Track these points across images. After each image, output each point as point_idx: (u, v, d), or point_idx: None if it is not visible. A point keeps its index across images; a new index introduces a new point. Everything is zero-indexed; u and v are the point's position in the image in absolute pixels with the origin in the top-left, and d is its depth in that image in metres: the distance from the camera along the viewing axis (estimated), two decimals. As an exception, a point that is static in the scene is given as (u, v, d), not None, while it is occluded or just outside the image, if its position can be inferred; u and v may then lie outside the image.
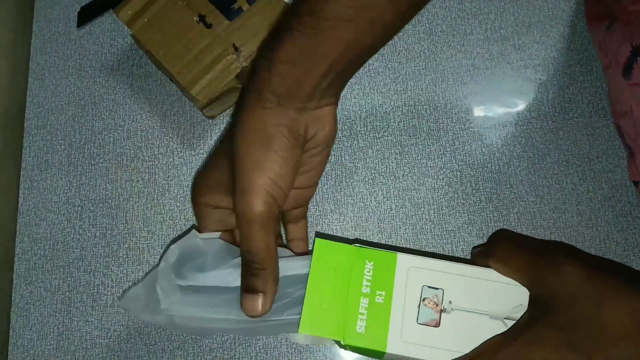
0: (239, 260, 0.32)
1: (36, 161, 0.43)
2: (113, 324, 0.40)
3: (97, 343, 0.39)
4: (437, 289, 0.30)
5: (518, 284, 0.30)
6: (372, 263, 0.31)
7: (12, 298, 0.41)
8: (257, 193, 0.29)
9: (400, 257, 0.31)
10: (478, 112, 0.43)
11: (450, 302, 0.30)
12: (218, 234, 0.34)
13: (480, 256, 0.32)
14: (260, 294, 0.30)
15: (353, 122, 0.43)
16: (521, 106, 0.43)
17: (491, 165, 0.42)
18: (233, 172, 0.31)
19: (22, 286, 0.41)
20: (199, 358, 0.39)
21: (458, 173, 0.42)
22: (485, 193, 0.41)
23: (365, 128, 0.43)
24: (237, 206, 0.30)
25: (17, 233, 0.42)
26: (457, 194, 0.41)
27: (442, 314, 0.29)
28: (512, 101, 0.43)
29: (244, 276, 0.31)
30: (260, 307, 0.30)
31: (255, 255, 0.30)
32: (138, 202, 0.42)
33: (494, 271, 0.31)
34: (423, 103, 0.43)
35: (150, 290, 0.32)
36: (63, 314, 0.40)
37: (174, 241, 0.35)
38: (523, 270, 0.30)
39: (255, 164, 0.30)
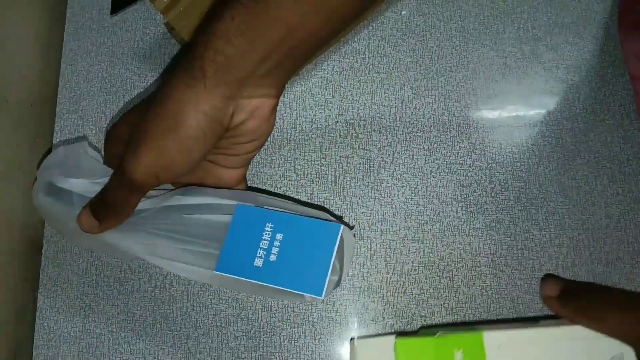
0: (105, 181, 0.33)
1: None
2: (139, 309, 0.40)
3: (123, 327, 0.40)
4: None
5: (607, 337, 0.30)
6: (461, 351, 0.30)
7: (40, 279, 0.41)
8: (140, 168, 0.29)
9: (487, 335, 0.30)
10: (509, 110, 0.43)
11: None
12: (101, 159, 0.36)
13: (568, 312, 0.33)
14: (98, 221, 0.32)
15: (382, 116, 0.43)
16: (552, 106, 0.43)
17: (520, 165, 0.42)
18: (133, 132, 0.30)
19: (50, 268, 0.41)
20: (224, 345, 0.39)
21: (487, 171, 0.42)
22: (514, 192, 0.41)
23: (394, 123, 0.43)
24: (121, 164, 0.30)
25: (47, 216, 0.42)
26: (486, 192, 0.41)
27: None
28: (543, 101, 0.43)
29: (96, 198, 0.32)
30: (90, 228, 0.33)
31: (113, 201, 0.31)
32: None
33: (582, 327, 0.30)
34: (453, 100, 0.43)
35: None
36: (90, 297, 0.41)
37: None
38: (623, 329, 0.30)
39: (153, 144, 0.29)
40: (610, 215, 0.40)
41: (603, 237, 0.40)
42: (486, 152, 0.42)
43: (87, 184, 0.34)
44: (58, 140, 0.44)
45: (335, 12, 0.29)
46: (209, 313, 0.40)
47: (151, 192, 0.35)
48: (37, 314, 0.40)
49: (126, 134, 0.31)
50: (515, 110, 0.43)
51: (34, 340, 0.40)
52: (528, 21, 0.45)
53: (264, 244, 0.32)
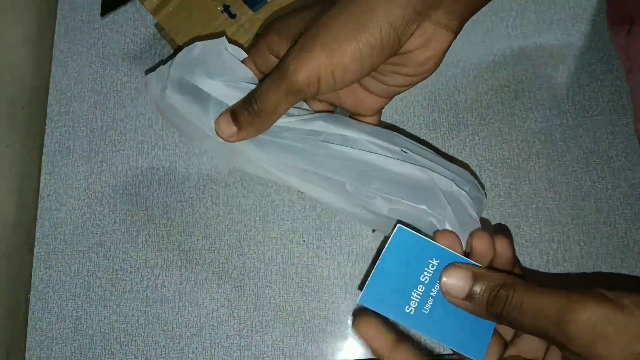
0: (246, 86, 0.31)
1: (58, 147, 0.44)
2: (131, 309, 0.40)
3: (115, 327, 0.40)
4: None
5: None
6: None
7: (32, 281, 0.41)
8: (307, 67, 0.27)
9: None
10: (498, 107, 0.43)
11: None
12: (244, 55, 0.32)
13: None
14: (238, 128, 0.29)
15: (373, 115, 0.43)
16: (541, 103, 0.43)
17: (510, 161, 0.42)
18: (305, 30, 0.28)
19: (41, 270, 0.41)
20: (216, 344, 0.39)
21: (477, 168, 0.42)
22: (504, 188, 0.41)
23: (384, 121, 0.43)
24: (284, 61, 0.28)
25: (38, 217, 0.42)
26: (476, 188, 0.41)
27: None
28: (532, 98, 0.43)
29: (239, 104, 0.30)
30: (228, 135, 0.30)
31: (262, 105, 0.29)
32: (158, 189, 0.42)
33: None
34: (443, 98, 0.43)
35: (162, 74, 0.32)
36: (82, 298, 0.41)
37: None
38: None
39: (325, 43, 0.27)
40: (600, 210, 0.41)
41: (593, 232, 0.40)
42: (476, 149, 0.42)
43: (225, 87, 0.31)
44: (49, 141, 0.44)
45: None
46: (201, 313, 0.40)
47: (291, 110, 0.33)
48: (29, 315, 0.40)
49: (296, 30, 0.29)
50: (505, 108, 0.43)
51: (27, 342, 0.40)
52: (517, 19, 0.45)
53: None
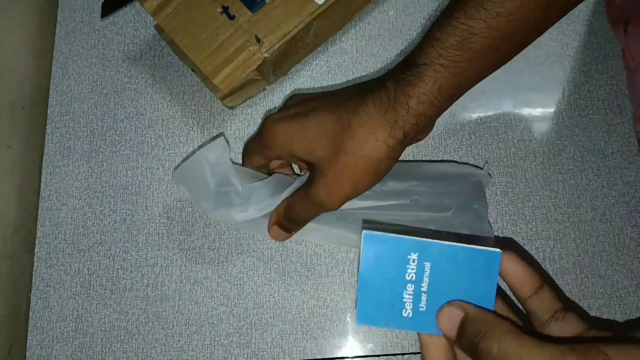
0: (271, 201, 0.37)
1: (59, 147, 0.44)
2: (131, 308, 0.40)
3: (116, 326, 0.40)
4: None
5: None
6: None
7: (33, 280, 0.41)
8: (341, 198, 0.33)
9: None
10: (495, 107, 0.43)
11: None
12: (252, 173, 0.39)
13: None
14: (289, 233, 0.37)
15: (371, 114, 0.44)
16: (537, 102, 0.44)
17: (507, 160, 0.42)
18: (321, 162, 0.33)
19: (42, 269, 0.42)
20: (216, 342, 0.39)
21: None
22: (500, 187, 0.42)
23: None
24: (318, 193, 0.33)
25: (39, 217, 0.43)
26: (473, 187, 0.42)
27: None
28: (528, 97, 0.44)
29: (284, 218, 0.36)
30: (282, 239, 0.38)
31: (300, 220, 0.36)
32: (158, 189, 0.43)
33: None
34: (440, 97, 0.44)
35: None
36: (82, 296, 0.41)
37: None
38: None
39: (354, 182, 0.32)
40: (596, 208, 0.41)
41: (589, 229, 0.41)
42: (473, 148, 0.43)
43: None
44: (50, 142, 0.44)
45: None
46: (201, 311, 0.40)
47: None
48: (30, 314, 0.41)
49: (301, 151, 0.34)
50: (501, 107, 0.43)
51: (27, 341, 0.40)
52: (512, 19, 0.45)
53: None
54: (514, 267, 0.27)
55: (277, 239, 0.38)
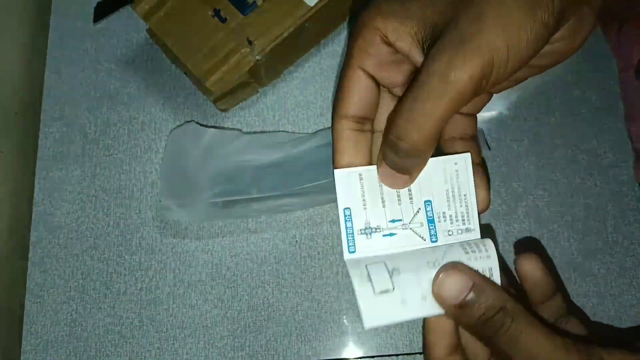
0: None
1: (52, 152, 0.44)
2: (125, 311, 0.40)
3: (110, 330, 0.40)
4: None
5: None
6: None
7: (27, 285, 0.41)
8: (479, 53, 0.20)
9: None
10: (487, 107, 0.43)
11: None
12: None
13: None
14: (409, 176, 0.25)
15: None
16: (530, 102, 0.44)
17: (500, 159, 0.42)
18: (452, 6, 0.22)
19: (36, 274, 0.41)
20: (210, 345, 0.39)
21: (467, 167, 0.42)
22: (493, 187, 0.42)
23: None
24: (435, 61, 0.21)
25: (32, 222, 0.43)
26: (466, 187, 0.42)
27: None
28: (520, 96, 0.44)
29: (389, 151, 0.24)
30: (403, 185, 0.25)
31: (418, 140, 0.22)
32: (151, 192, 0.43)
33: None
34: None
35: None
36: (76, 301, 0.41)
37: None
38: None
39: (497, 17, 0.21)
40: (589, 207, 0.41)
41: (582, 228, 0.41)
42: (465, 148, 0.43)
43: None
44: (43, 147, 0.44)
45: None
46: (195, 314, 0.40)
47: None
48: (25, 319, 0.41)
49: (425, 11, 0.23)
50: (494, 107, 0.44)
51: (22, 346, 0.40)
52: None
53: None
54: (533, 270, 0.26)
55: (389, 186, 0.25)
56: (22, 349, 0.40)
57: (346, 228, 0.26)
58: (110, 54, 0.46)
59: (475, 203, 0.26)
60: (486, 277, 0.24)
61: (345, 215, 0.25)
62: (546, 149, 0.42)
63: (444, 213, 0.26)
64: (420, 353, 0.39)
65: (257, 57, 0.40)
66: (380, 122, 0.27)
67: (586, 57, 0.44)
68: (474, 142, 0.28)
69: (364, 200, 0.26)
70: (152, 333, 0.40)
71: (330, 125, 0.43)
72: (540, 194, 0.41)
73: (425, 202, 0.26)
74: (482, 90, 0.22)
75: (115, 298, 0.41)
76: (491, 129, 0.43)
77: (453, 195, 0.26)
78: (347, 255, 0.26)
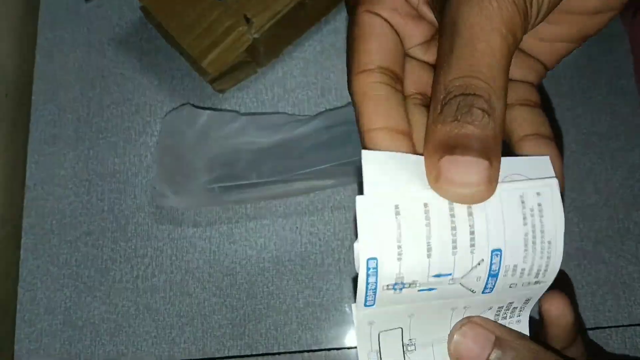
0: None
1: (44, 135, 0.43)
2: (121, 299, 0.39)
3: (105, 318, 0.39)
4: None
5: None
6: None
7: (20, 272, 0.40)
8: None
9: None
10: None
11: None
12: None
13: None
14: (489, 161, 0.16)
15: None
16: (541, 84, 0.42)
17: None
18: None
19: (29, 260, 0.40)
20: (208, 334, 0.38)
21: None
22: (501, 171, 0.40)
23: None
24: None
25: (25, 207, 0.41)
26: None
27: None
28: (529, 78, 0.42)
29: (455, 112, 0.16)
30: (482, 184, 0.16)
31: (484, 80, 0.16)
32: (146, 177, 0.41)
33: None
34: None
35: None
36: (70, 288, 0.40)
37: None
38: None
39: None
40: (599, 192, 0.40)
41: (592, 214, 0.39)
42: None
43: None
44: (35, 130, 0.43)
45: None
46: (193, 302, 0.39)
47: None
48: (18, 307, 0.40)
49: None
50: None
51: (15, 334, 0.39)
52: None
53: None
54: (563, 316, 0.22)
55: (471, 188, 0.16)
56: (15, 338, 0.39)
57: (367, 283, 0.17)
58: (103, 34, 0.45)
59: (562, 251, 0.18)
60: (509, 328, 0.20)
61: (368, 269, 0.17)
62: (556, 133, 0.41)
63: (514, 267, 0.18)
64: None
65: (255, 36, 0.38)
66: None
67: (598, 41, 0.42)
68: (547, 139, 0.21)
69: (399, 245, 0.17)
70: (149, 321, 0.39)
71: (333, 106, 0.42)
72: (549, 178, 0.40)
73: (493, 251, 0.17)
74: (529, 17, 0.18)
75: (110, 286, 0.40)
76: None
77: (533, 243, 0.18)
78: (360, 309, 0.18)
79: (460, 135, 0.16)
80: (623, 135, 0.41)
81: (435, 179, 0.16)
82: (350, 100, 0.20)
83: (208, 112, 0.40)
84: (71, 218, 0.41)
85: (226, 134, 0.38)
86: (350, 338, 0.38)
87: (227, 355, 0.38)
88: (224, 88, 0.42)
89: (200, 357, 0.38)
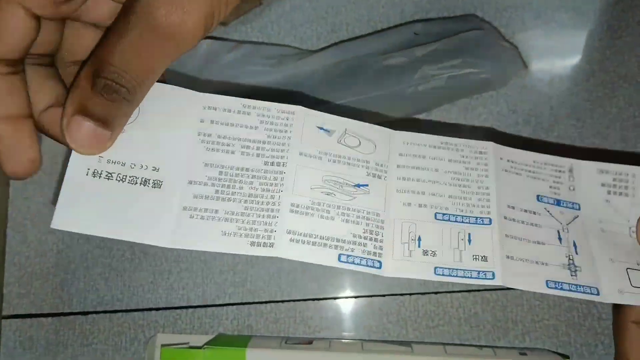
0: None
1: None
2: (116, 243, 0.37)
3: (99, 262, 0.37)
4: None
5: None
6: None
7: (9, 213, 0.38)
8: (199, 5, 0.19)
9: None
10: (518, 26, 0.39)
11: None
12: None
13: None
14: (110, 130, 0.20)
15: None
16: (565, 22, 0.39)
17: (531, 86, 0.38)
18: None
19: (19, 200, 0.38)
20: (208, 280, 0.36)
21: (495, 93, 0.38)
22: (522, 115, 0.38)
23: (392, 42, 0.39)
24: (157, 12, 0.19)
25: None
26: (492, 115, 0.38)
27: None
28: (555, 17, 0.39)
29: (86, 94, 0.20)
30: (98, 146, 0.21)
31: (135, 78, 0.20)
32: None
33: None
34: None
35: None
36: (63, 230, 0.37)
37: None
38: None
39: None
40: (626, 140, 0.37)
41: (617, 162, 0.37)
42: (492, 72, 0.38)
43: None
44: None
45: None
46: (192, 246, 0.37)
47: None
48: (7, 249, 0.37)
49: None
50: (526, 27, 0.39)
51: (4, 278, 0.37)
52: None
53: None
54: None
55: (86, 149, 0.21)
56: (4, 281, 0.37)
57: None
58: None
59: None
60: None
61: None
62: (581, 75, 0.38)
63: None
64: (435, 292, 0.36)
65: (262, -40, 0.35)
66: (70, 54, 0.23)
67: (631, -26, 0.39)
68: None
69: None
70: (145, 266, 0.37)
71: (340, 41, 0.39)
72: (573, 123, 0.38)
73: None
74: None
75: (104, 228, 0.37)
76: (523, 53, 0.39)
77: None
78: None
79: None
80: (653, 81, 0.38)
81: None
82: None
83: (208, 40, 0.37)
84: (62, 156, 0.38)
85: (225, 63, 0.35)
86: (358, 287, 0.36)
87: (227, 302, 0.36)
88: (226, 21, 0.39)
89: (200, 304, 0.36)
